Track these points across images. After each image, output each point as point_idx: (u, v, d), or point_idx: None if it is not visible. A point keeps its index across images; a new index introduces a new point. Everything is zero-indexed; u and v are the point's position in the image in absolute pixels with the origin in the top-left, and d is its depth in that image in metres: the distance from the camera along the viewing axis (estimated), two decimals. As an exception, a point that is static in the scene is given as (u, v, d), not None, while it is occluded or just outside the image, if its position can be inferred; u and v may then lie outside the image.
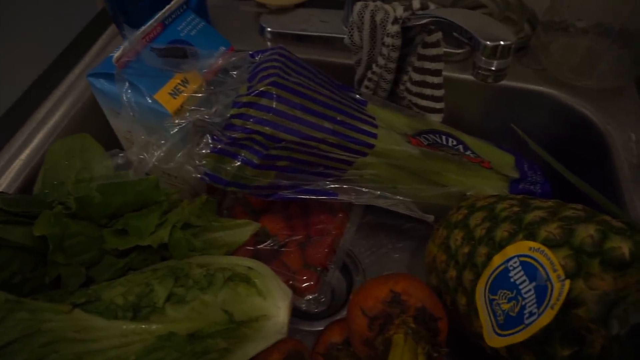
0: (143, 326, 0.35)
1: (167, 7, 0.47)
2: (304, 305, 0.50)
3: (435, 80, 0.51)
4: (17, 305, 0.32)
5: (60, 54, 0.61)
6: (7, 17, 0.59)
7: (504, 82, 0.57)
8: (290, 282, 0.50)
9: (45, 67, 0.59)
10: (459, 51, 0.57)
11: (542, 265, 0.33)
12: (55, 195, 0.46)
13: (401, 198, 0.49)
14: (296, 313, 0.51)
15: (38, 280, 0.39)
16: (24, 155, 0.52)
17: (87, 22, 0.65)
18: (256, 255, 0.51)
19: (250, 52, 0.48)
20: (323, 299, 0.51)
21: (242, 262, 0.44)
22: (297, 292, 0.50)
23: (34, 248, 0.38)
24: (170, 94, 0.45)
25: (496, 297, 0.37)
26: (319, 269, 0.51)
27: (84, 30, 0.65)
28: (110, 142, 0.52)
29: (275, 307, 0.43)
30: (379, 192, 0.49)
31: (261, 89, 0.42)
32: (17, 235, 0.37)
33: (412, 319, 0.40)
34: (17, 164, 0.51)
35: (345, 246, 0.54)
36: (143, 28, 0.45)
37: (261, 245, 0.52)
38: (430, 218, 0.51)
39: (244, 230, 0.51)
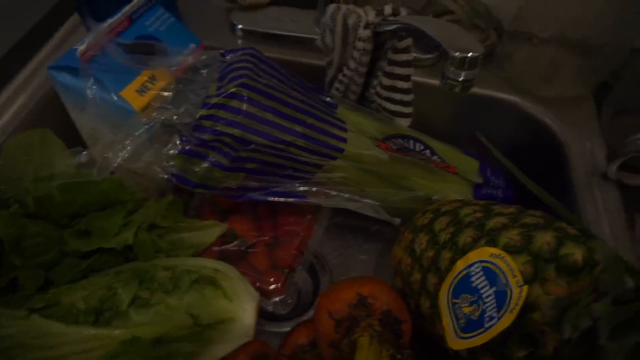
0: (105, 331, 0.34)
1: (135, 0, 0.46)
2: (270, 307, 0.50)
3: (405, 85, 0.52)
4: (-30, 311, 0.31)
5: (17, 43, 0.58)
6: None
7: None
8: (257, 283, 0.50)
9: (1, 57, 0.56)
10: (428, 56, 0.58)
11: (502, 271, 0.35)
12: (12, 192, 0.44)
13: (369, 201, 0.50)
14: (262, 314, 0.51)
15: (-7, 282, 0.37)
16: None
17: (47, 9, 0.62)
18: (223, 256, 0.51)
19: (222, 51, 0.48)
20: (290, 301, 0.51)
21: (209, 264, 0.44)
22: (264, 293, 0.50)
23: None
24: (137, 91, 0.44)
25: (458, 301, 0.38)
26: (286, 270, 0.51)
27: (43, 19, 0.62)
28: (72, 138, 0.50)
29: (242, 309, 0.43)
30: (347, 195, 0.50)
31: (231, 90, 0.41)
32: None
33: (378, 322, 0.40)
34: (-29, 159, 0.48)
35: (313, 247, 0.55)
36: (110, 21, 0.44)
37: (229, 246, 0.52)
38: (397, 221, 0.52)
39: (211, 231, 0.50)
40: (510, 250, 0.36)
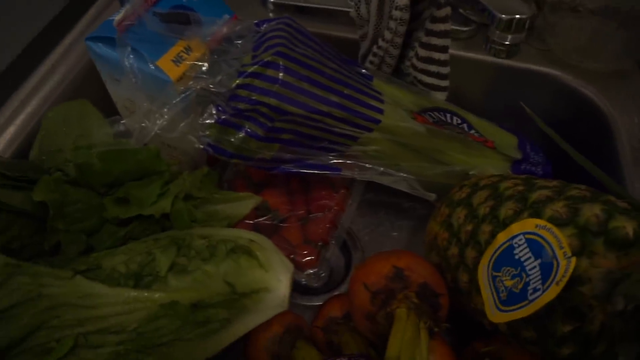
0: (146, 294, 0.35)
1: (170, -30, 0.45)
2: (304, 280, 0.50)
3: (442, 57, 0.50)
4: (17, 269, 0.32)
5: (56, 16, 0.59)
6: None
7: (508, 62, 0.57)
8: (291, 256, 0.49)
9: (40, 30, 0.57)
10: (465, 29, 0.56)
11: (548, 243, 0.33)
12: (52, 163, 0.45)
13: (404, 175, 0.49)
14: (295, 287, 0.51)
15: (37, 246, 0.38)
16: (18, 121, 0.50)
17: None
18: (257, 229, 0.51)
19: (256, 22, 0.47)
20: (323, 274, 0.51)
21: (245, 235, 0.44)
22: (298, 266, 0.50)
23: (33, 213, 0.37)
24: (172, 61, 0.44)
25: (499, 274, 0.37)
26: (319, 244, 0.51)
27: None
28: (109, 109, 0.51)
29: (277, 280, 0.43)
30: (382, 169, 0.49)
31: (267, 59, 0.41)
32: (16, 199, 0.36)
33: (415, 294, 0.40)
34: (12, 129, 0.49)
35: (346, 223, 0.54)
36: (145, -9, 0.44)
37: (262, 219, 0.52)
38: (432, 196, 0.51)
39: (245, 203, 0.50)
40: (556, 222, 0.35)
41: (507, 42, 0.36)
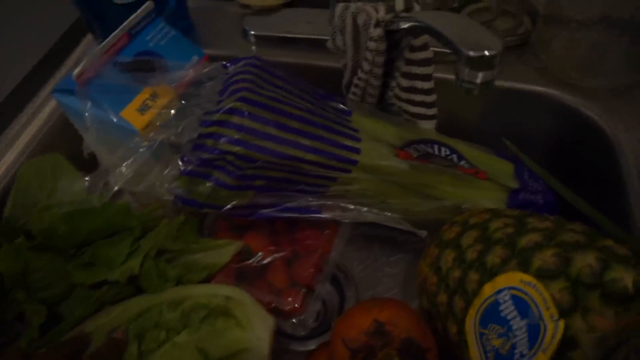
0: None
1: (133, 15, 0.44)
2: (289, 329, 0.48)
3: (426, 85, 0.47)
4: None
5: (34, 67, 0.59)
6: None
7: (501, 83, 0.53)
8: (274, 304, 0.47)
9: (18, 81, 0.57)
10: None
11: (534, 302, 0.30)
12: (25, 218, 0.44)
13: (390, 215, 0.46)
14: (284, 333, 0.49)
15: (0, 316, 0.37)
16: (-3, 174, 0.50)
17: (63, 31, 0.62)
18: (240, 274, 0.49)
19: (224, 63, 0.45)
20: (309, 321, 0.49)
21: (220, 291, 0.42)
22: (282, 314, 0.47)
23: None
24: (138, 110, 0.43)
25: (486, 331, 0.34)
26: (304, 289, 0.49)
27: (59, 40, 0.62)
28: (90, 158, 0.50)
29: (256, 338, 0.40)
30: (366, 209, 0.46)
31: (230, 105, 0.39)
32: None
33: (397, 352, 0.37)
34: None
35: (334, 262, 0.51)
36: (107, 40, 0.42)
37: (245, 264, 0.50)
38: (423, 234, 0.48)
39: (225, 250, 0.48)
40: (545, 274, 0.31)
41: (477, 81, 0.33)
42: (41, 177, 0.47)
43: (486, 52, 0.31)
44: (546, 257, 0.32)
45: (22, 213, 0.45)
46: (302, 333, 0.48)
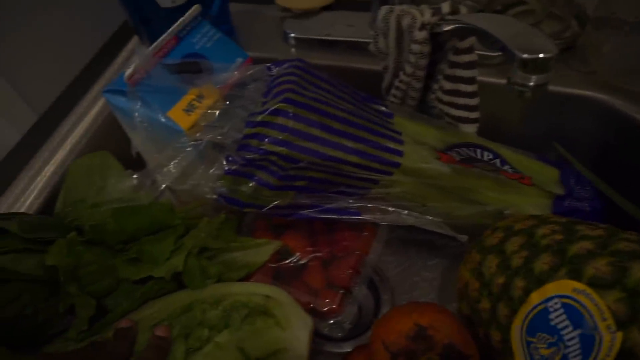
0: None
1: (181, 19, 0.45)
2: (326, 330, 0.48)
3: (469, 88, 0.46)
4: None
5: (83, 69, 0.61)
6: (28, 33, 0.59)
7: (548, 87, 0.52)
8: (312, 304, 0.47)
9: (68, 82, 0.59)
10: (496, 54, 0.52)
11: (588, 311, 0.29)
12: (75, 214, 0.45)
13: (430, 218, 0.45)
14: (320, 334, 0.48)
15: (52, 309, 0.38)
16: (47, 173, 0.52)
17: (110, 34, 0.65)
18: (278, 274, 0.49)
19: (268, 65, 0.46)
20: (347, 323, 0.48)
21: (260, 290, 0.42)
22: (319, 315, 0.47)
23: (45, 278, 0.37)
24: (184, 110, 0.44)
25: (534, 340, 0.33)
26: (341, 291, 0.49)
27: (107, 43, 0.64)
28: (135, 158, 0.51)
29: (295, 338, 0.40)
30: (406, 212, 0.46)
31: (275, 106, 0.39)
32: (26, 266, 0.36)
33: (439, 357, 0.36)
34: (40, 181, 0.51)
35: (371, 264, 0.51)
36: (156, 42, 0.44)
37: (282, 264, 0.50)
38: (464, 238, 0.47)
39: (264, 249, 0.49)
40: (598, 284, 0.30)
41: (530, 84, 0.32)
42: (90, 175, 0.48)
43: (541, 55, 0.30)
44: (600, 266, 0.31)
45: (72, 209, 0.47)
46: (339, 335, 0.48)
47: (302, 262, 0.50)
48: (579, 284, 0.30)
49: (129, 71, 0.41)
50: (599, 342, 0.28)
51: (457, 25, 0.40)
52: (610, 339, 0.27)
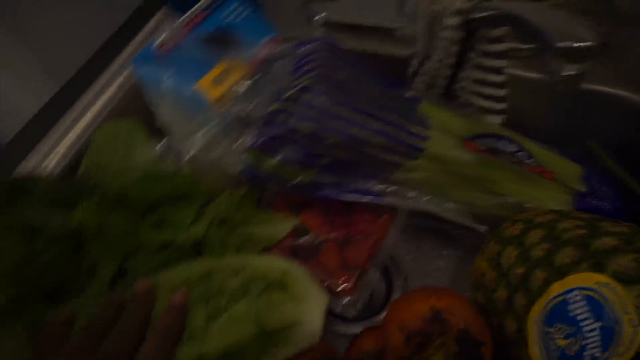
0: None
1: (214, -8, 0.45)
2: (339, 309, 0.48)
3: (497, 78, 0.46)
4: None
5: (110, 37, 0.61)
6: (55, 2, 0.59)
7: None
8: (326, 283, 0.48)
9: (94, 51, 0.59)
10: (525, 46, 0.51)
11: (610, 304, 0.29)
12: (97, 180, 0.46)
13: (452, 205, 0.45)
14: (332, 313, 0.49)
15: (74, 268, 0.39)
16: (71, 136, 0.52)
17: (135, 6, 0.64)
18: (294, 251, 0.50)
19: (296, 43, 0.46)
20: (360, 304, 0.49)
21: (278, 265, 0.42)
22: (334, 293, 0.48)
23: (70, 237, 0.38)
24: (213, 82, 0.44)
25: (551, 330, 0.33)
26: (357, 271, 0.49)
27: (134, 13, 0.64)
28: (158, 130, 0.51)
29: (310, 313, 0.41)
30: (427, 198, 0.46)
31: (305, 83, 0.39)
32: (55, 222, 0.37)
33: (454, 341, 0.37)
34: (65, 144, 0.51)
35: (388, 249, 0.51)
36: (187, 14, 0.44)
37: (299, 241, 0.50)
38: (483, 228, 0.47)
39: (282, 225, 0.49)
40: (622, 278, 0.30)
41: (566, 73, 0.31)
42: (115, 141, 0.48)
43: (577, 44, 0.30)
44: (624, 262, 0.31)
45: (95, 174, 0.47)
46: (352, 314, 0.48)
47: (318, 241, 0.50)
48: (604, 277, 0.30)
49: (158, 41, 0.41)
50: (620, 335, 0.28)
51: (491, 12, 0.40)
52: (632, 332, 0.27)
